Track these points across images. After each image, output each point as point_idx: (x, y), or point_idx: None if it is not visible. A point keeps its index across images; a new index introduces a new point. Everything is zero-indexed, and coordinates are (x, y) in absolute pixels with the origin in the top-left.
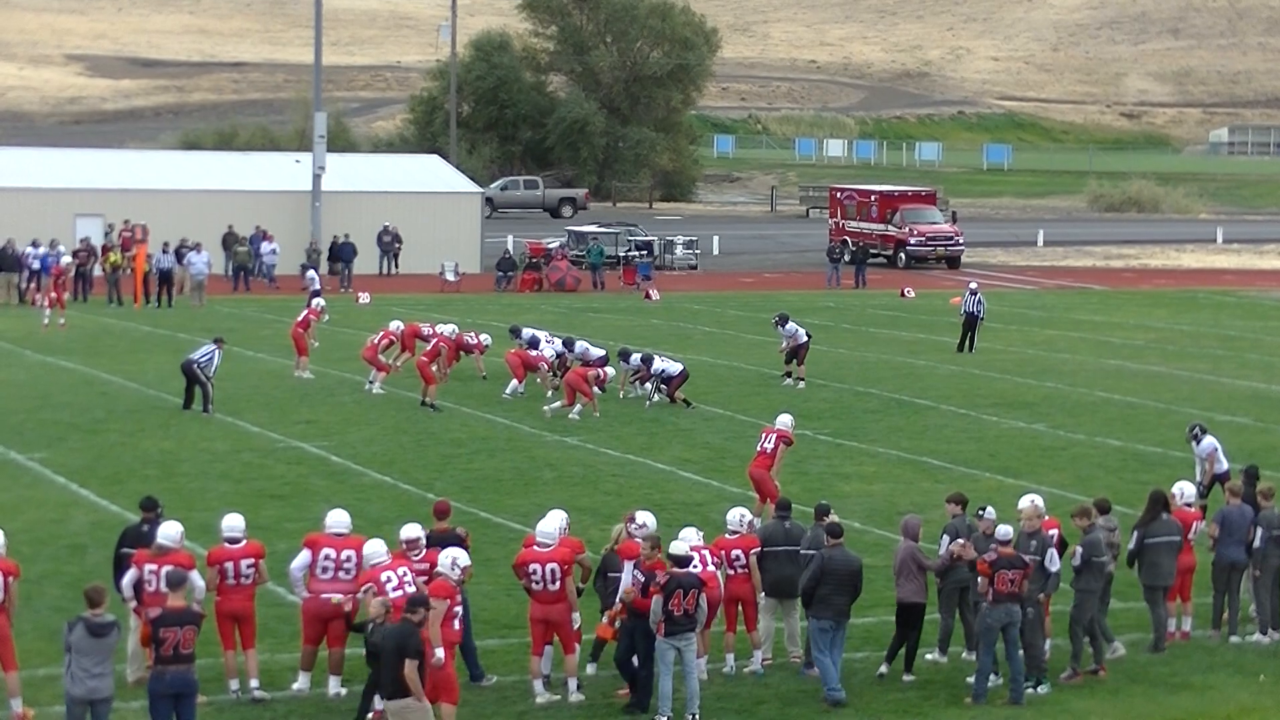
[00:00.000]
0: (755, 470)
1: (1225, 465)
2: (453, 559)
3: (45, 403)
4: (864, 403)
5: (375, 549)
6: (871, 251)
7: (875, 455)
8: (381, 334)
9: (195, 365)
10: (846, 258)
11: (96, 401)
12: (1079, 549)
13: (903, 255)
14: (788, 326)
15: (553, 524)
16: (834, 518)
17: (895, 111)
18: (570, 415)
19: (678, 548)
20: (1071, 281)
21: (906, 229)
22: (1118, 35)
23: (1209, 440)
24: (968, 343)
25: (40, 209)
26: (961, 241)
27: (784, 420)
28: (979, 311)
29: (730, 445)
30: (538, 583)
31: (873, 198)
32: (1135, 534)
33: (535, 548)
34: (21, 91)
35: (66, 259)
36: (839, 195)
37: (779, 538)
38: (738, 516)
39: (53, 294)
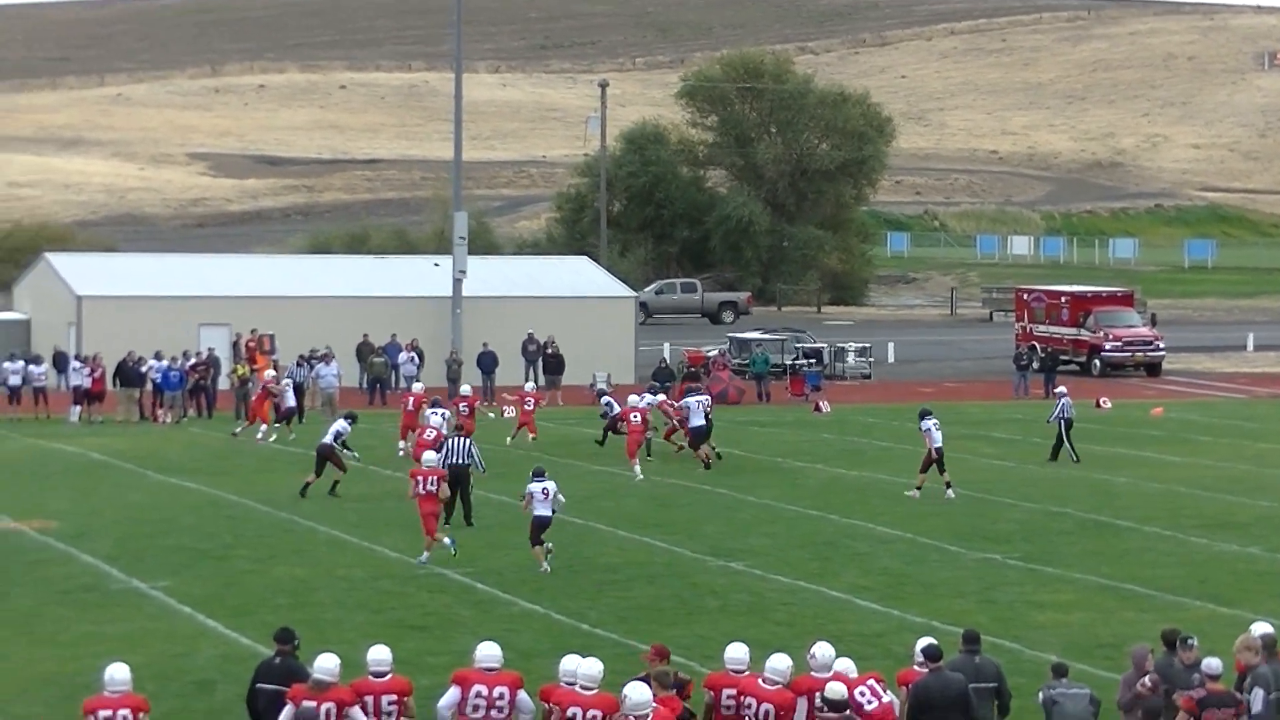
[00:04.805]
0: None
1: None
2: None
3: (169, 527)
4: (1058, 524)
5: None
6: (1062, 358)
7: (1071, 581)
8: (434, 435)
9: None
10: (1035, 365)
11: (223, 525)
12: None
13: (1097, 362)
14: (924, 423)
15: (785, 663)
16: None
17: (1086, 205)
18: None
19: (834, 690)
20: None
21: (1101, 333)
22: None
23: None
24: (1064, 450)
25: (162, 318)
26: (1162, 346)
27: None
28: (1067, 415)
29: (911, 570)
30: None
31: (1063, 299)
32: None
33: (762, 683)
34: (143, 193)
35: (277, 379)
36: (1026, 297)
37: (969, 675)
38: (924, 644)
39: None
